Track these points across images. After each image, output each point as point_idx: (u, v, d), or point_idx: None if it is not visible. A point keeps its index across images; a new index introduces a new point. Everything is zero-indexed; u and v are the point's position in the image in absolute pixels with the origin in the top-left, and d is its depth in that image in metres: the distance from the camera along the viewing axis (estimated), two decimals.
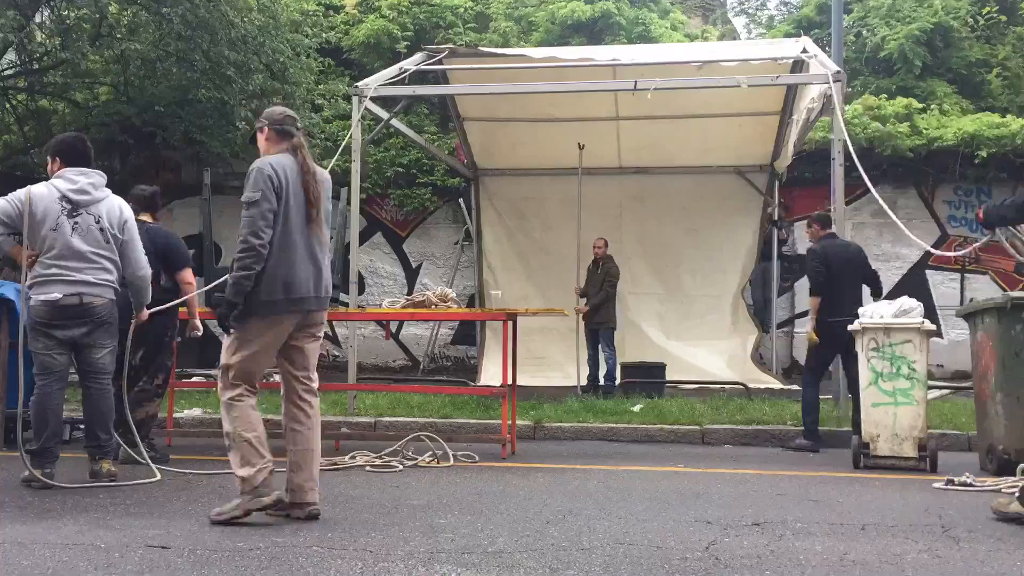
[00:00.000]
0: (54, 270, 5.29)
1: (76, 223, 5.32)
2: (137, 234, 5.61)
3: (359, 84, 9.27)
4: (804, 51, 9.81)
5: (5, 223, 5.28)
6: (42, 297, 5.30)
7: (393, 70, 9.95)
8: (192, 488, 5.30)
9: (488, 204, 13.12)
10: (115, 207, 5.51)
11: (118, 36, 12.28)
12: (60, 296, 5.29)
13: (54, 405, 5.43)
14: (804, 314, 13.23)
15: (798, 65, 9.80)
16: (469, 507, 4.75)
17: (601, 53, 10.99)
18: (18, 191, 5.37)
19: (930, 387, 7.36)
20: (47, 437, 5.32)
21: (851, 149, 8.23)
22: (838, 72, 8.62)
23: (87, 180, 5.42)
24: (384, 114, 10.03)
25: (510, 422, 7.13)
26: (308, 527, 4.17)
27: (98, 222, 5.39)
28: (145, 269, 5.64)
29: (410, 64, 10.21)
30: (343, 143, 9.46)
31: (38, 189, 5.36)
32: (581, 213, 12.67)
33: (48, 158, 5.57)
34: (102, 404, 5.53)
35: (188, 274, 6.45)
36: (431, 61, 10.45)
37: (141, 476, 5.58)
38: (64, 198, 5.32)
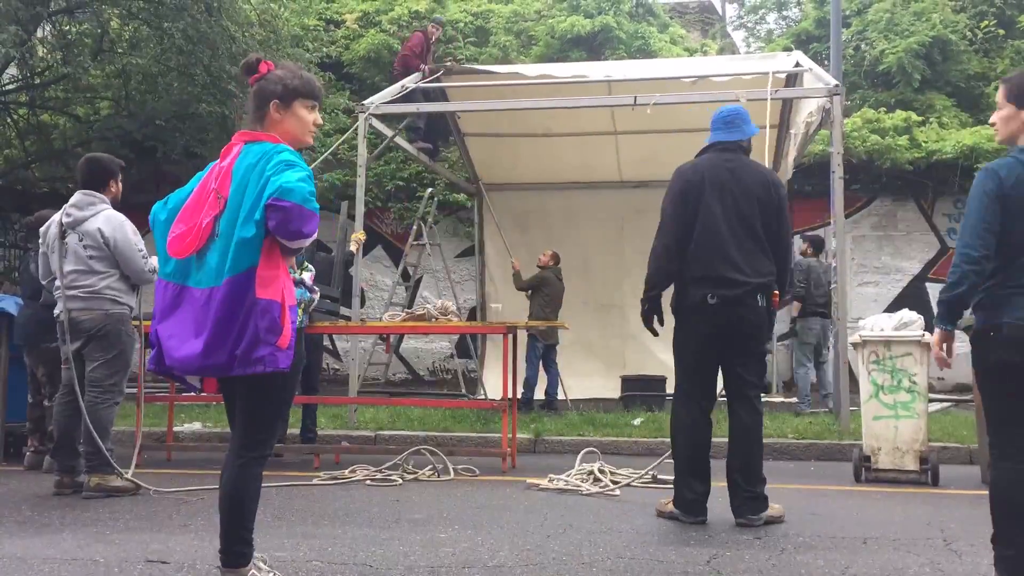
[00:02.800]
0: (58, 290, 5.66)
1: (65, 244, 5.64)
2: (126, 243, 5.63)
3: (363, 103, 9.37)
4: (797, 64, 9.87)
5: (45, 268, 5.91)
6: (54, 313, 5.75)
7: (395, 88, 10.05)
8: (192, 502, 5.29)
9: (490, 218, 13.15)
10: (95, 226, 5.60)
11: (119, 51, 12.33)
12: (58, 312, 5.67)
13: (62, 416, 5.77)
14: None
15: (792, 79, 9.84)
16: (470, 521, 4.74)
17: (595, 69, 11.05)
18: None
19: (931, 400, 7.35)
20: (62, 449, 5.66)
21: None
22: (836, 86, 8.67)
23: (72, 201, 5.72)
24: (388, 131, 10.09)
25: (510, 435, 7.12)
26: (309, 542, 4.15)
27: (81, 240, 5.62)
28: (139, 274, 5.72)
29: (410, 82, 10.32)
30: (356, 158, 9.54)
31: (56, 215, 5.83)
32: (582, 227, 12.70)
33: None
34: (90, 416, 5.54)
35: None
36: (428, 79, 10.55)
37: (128, 491, 5.57)
38: (58, 223, 5.69)
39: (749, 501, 4.68)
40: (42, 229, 5.91)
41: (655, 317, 4.99)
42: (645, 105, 8.81)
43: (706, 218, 4.80)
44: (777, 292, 4.85)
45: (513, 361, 7.14)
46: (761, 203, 4.82)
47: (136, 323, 5.82)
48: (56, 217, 5.79)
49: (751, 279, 4.74)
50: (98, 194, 5.73)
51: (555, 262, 10.94)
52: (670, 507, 4.84)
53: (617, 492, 5.70)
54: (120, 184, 5.91)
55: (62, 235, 5.64)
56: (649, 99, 8.84)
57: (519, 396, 8.88)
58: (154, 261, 5.71)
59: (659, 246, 4.98)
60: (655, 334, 5.05)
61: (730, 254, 4.75)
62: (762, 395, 4.95)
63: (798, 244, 10.06)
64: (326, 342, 14.16)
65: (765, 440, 8.04)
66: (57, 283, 5.64)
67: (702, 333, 4.83)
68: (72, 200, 5.74)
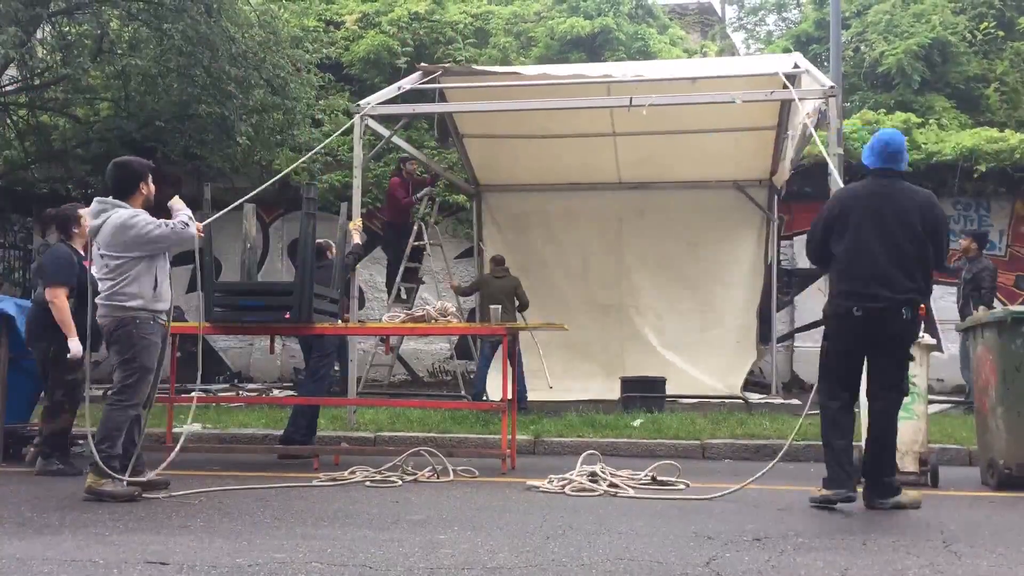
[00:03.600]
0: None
1: (92, 252, 5.76)
2: (139, 235, 5.54)
3: (360, 103, 9.35)
4: (796, 66, 9.88)
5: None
6: None
7: (392, 89, 10.03)
8: (191, 504, 5.29)
9: (490, 219, 13.16)
10: (105, 233, 5.60)
11: (119, 52, 12.33)
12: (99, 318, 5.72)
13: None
14: (803, 328, 13.24)
15: (791, 80, 9.86)
16: (469, 522, 4.74)
17: (593, 70, 11.06)
18: None
19: (930, 401, 7.35)
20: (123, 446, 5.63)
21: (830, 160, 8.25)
22: (832, 87, 8.67)
23: (88, 211, 5.77)
24: (385, 132, 10.09)
25: (510, 437, 7.12)
26: (308, 543, 4.15)
27: (99, 248, 5.65)
28: (182, 243, 5.69)
29: (408, 83, 10.30)
30: (357, 158, 9.55)
31: None
32: (581, 228, 12.70)
33: None
34: (103, 417, 5.56)
35: (51, 292, 6.47)
36: (426, 80, 10.54)
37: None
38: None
39: (876, 487, 5.29)
40: None
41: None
42: (640, 107, 8.81)
43: (857, 238, 5.34)
44: (924, 305, 5.34)
45: (513, 362, 7.13)
46: (910, 224, 5.31)
47: (163, 322, 5.75)
48: None
49: (896, 295, 5.24)
50: (111, 199, 5.66)
51: (496, 264, 11.13)
52: (821, 492, 5.28)
53: (617, 493, 5.70)
54: (151, 185, 5.79)
55: (92, 242, 5.76)
56: (645, 100, 8.84)
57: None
58: (183, 216, 5.66)
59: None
60: None
61: (877, 271, 5.28)
62: (903, 398, 5.49)
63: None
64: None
65: (764, 440, 8.07)
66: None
67: (848, 340, 5.41)
68: (88, 209, 5.77)
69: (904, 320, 5.25)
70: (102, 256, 5.58)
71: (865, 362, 5.42)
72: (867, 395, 5.46)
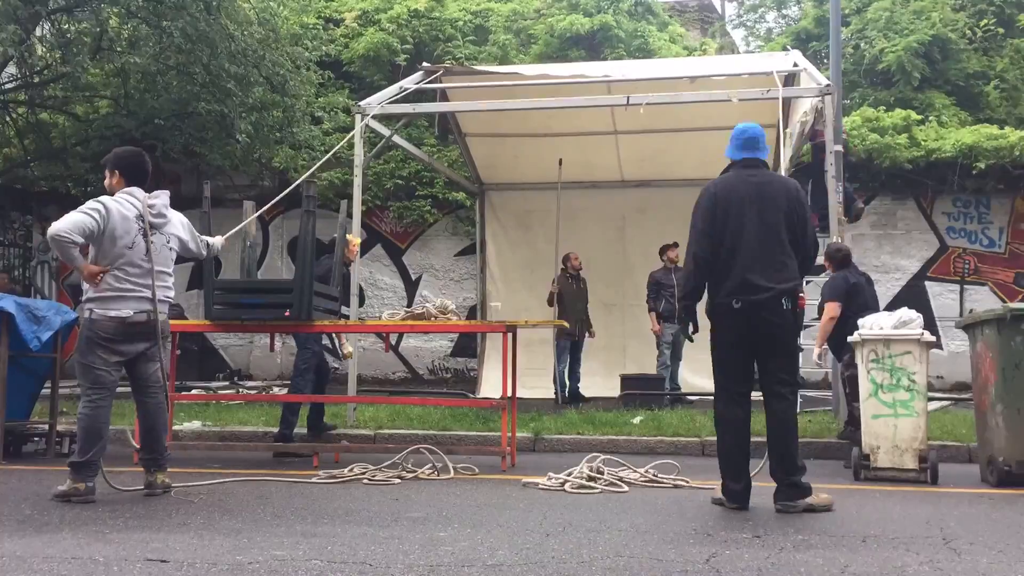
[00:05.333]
0: (127, 286, 5.38)
1: (152, 243, 5.45)
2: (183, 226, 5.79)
3: (361, 103, 9.36)
4: (795, 65, 9.90)
5: (86, 236, 5.27)
6: (111, 313, 5.37)
7: (394, 89, 10.05)
8: (191, 501, 5.29)
9: (492, 217, 13.17)
10: (178, 225, 5.73)
11: (118, 50, 12.33)
12: (131, 313, 5.38)
13: (105, 419, 5.45)
14: (805, 326, 13.24)
15: (791, 79, 9.87)
16: (469, 520, 4.74)
17: (593, 69, 11.09)
18: (96, 204, 5.34)
19: (930, 398, 7.35)
20: (97, 451, 5.34)
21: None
22: (828, 85, 8.67)
23: (161, 203, 5.55)
24: (385, 131, 10.09)
25: (510, 434, 7.12)
26: (308, 541, 4.15)
27: (168, 242, 5.60)
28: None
29: (410, 83, 10.30)
30: (354, 157, 9.52)
31: (115, 204, 5.40)
32: (583, 225, 12.70)
33: (107, 171, 5.59)
34: (160, 417, 5.58)
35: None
36: (428, 80, 10.55)
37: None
38: (141, 217, 5.43)
39: (787, 488, 5.05)
40: (109, 211, 5.44)
41: (691, 324, 5.48)
42: (637, 105, 8.82)
43: (735, 230, 5.16)
44: (803, 295, 5.27)
45: (513, 360, 7.14)
46: (786, 213, 5.20)
47: (139, 324, 5.49)
48: (126, 208, 5.46)
49: (775, 285, 5.09)
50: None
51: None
52: (717, 493, 5.25)
53: (616, 491, 5.71)
54: (108, 176, 5.56)
55: (148, 232, 5.48)
56: (642, 99, 8.86)
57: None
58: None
59: (690, 259, 5.32)
60: (691, 340, 5.58)
61: (756, 262, 5.11)
62: (798, 390, 5.44)
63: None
64: (325, 341, 14.19)
65: (762, 438, 8.05)
66: (127, 279, 5.42)
67: (730, 335, 5.20)
68: (160, 200, 5.60)
69: (784, 311, 5.10)
70: (174, 251, 5.71)
71: (755, 359, 5.20)
72: (762, 393, 5.23)
